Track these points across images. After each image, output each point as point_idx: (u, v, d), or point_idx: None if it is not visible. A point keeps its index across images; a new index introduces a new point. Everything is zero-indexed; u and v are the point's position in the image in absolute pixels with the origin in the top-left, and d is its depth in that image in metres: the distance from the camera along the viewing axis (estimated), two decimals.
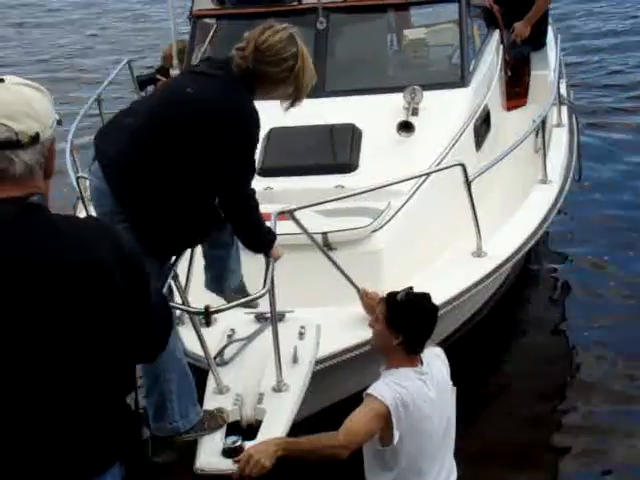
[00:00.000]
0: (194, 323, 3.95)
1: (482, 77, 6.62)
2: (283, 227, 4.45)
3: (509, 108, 7.64)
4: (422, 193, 5.29)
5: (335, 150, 5.81)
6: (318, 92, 6.18)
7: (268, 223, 4.13)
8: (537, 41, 8.29)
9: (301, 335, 4.41)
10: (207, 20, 6.95)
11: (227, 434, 3.85)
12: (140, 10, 17.43)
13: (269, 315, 4.08)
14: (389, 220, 5.08)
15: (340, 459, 3.47)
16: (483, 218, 5.28)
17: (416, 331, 3.64)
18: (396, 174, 4.94)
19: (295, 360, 4.23)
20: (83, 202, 5.10)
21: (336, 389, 4.65)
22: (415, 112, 5.83)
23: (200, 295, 4.34)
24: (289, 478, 3.87)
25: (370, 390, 3.56)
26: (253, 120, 3.74)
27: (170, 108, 3.78)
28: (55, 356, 2.20)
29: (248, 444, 3.68)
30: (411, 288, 3.75)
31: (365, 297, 4.54)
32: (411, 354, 3.63)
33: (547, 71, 7.70)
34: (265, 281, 3.85)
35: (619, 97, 10.86)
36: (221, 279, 4.41)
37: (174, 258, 3.99)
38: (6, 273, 2.14)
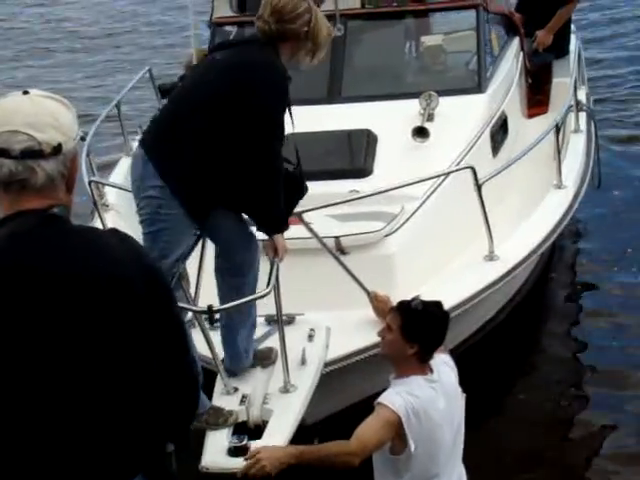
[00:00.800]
0: (201, 325, 3.98)
1: (500, 83, 6.61)
2: (295, 231, 4.49)
3: (530, 115, 7.61)
4: (436, 198, 5.30)
5: (350, 155, 5.85)
6: (335, 98, 6.27)
7: None
8: (560, 49, 8.25)
9: (310, 337, 4.43)
10: (227, 27, 7.01)
11: (233, 433, 3.88)
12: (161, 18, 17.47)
13: None
14: (402, 224, 5.09)
15: (351, 467, 3.44)
16: (500, 223, 5.28)
17: (432, 340, 3.64)
18: (410, 179, 4.96)
19: (303, 362, 4.25)
20: (96, 207, 5.15)
21: (348, 392, 4.66)
22: (431, 118, 5.84)
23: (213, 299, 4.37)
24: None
25: (381, 399, 3.54)
26: (284, 80, 3.94)
27: (207, 74, 4.07)
28: (69, 367, 2.15)
29: (254, 443, 3.71)
30: (419, 295, 3.76)
31: (375, 300, 4.55)
32: (423, 362, 3.62)
33: (569, 78, 7.67)
34: (269, 281, 3.87)
35: None
36: None
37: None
38: (16, 285, 2.11)
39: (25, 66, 14.39)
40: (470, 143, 5.81)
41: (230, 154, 3.90)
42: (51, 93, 2.26)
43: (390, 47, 6.82)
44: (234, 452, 3.71)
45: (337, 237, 4.82)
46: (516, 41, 7.51)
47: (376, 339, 4.00)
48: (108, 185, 5.77)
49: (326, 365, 4.35)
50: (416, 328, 3.58)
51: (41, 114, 2.18)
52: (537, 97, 7.80)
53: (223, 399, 4.10)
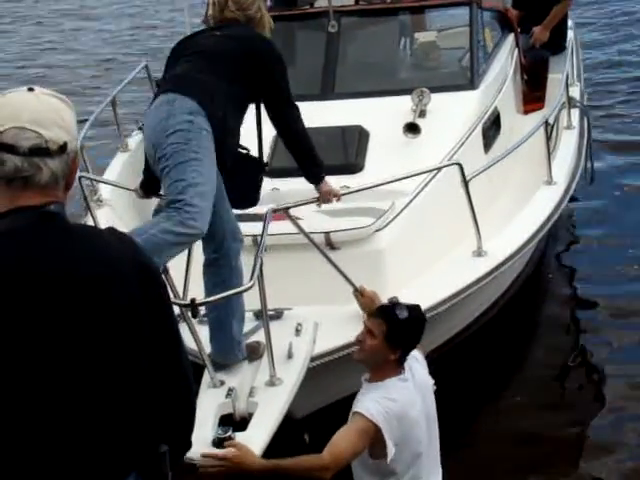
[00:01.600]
0: (187, 319, 4.01)
1: (493, 80, 6.63)
2: (283, 227, 4.53)
3: (527, 112, 7.61)
4: (426, 193, 5.34)
5: (342, 151, 5.88)
6: (328, 94, 6.30)
7: (260, 222, 4.22)
8: (557, 45, 8.28)
9: (298, 332, 4.46)
10: None
11: (219, 425, 3.91)
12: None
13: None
14: (392, 220, 5.12)
15: None
16: (491, 219, 5.30)
17: (414, 345, 3.67)
18: (398, 175, 4.98)
19: (290, 356, 4.28)
20: (87, 202, 5.18)
21: (338, 386, 4.68)
22: (423, 114, 5.87)
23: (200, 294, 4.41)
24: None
25: (357, 408, 3.53)
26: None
27: (218, 40, 4.38)
28: (63, 364, 2.15)
29: (238, 435, 3.75)
30: (396, 297, 3.78)
31: (361, 296, 4.58)
32: (400, 365, 3.64)
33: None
34: (252, 274, 3.91)
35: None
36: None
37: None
38: (14, 282, 2.11)
39: None
40: (461, 139, 5.84)
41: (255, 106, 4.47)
42: (52, 91, 2.27)
43: (384, 44, 6.84)
44: (218, 444, 3.74)
45: (327, 232, 4.86)
46: (511, 37, 7.53)
47: None
48: (99, 181, 5.81)
49: (313, 359, 4.37)
50: (401, 335, 3.58)
51: (47, 111, 2.19)
52: (535, 93, 7.79)
53: (209, 392, 4.14)
